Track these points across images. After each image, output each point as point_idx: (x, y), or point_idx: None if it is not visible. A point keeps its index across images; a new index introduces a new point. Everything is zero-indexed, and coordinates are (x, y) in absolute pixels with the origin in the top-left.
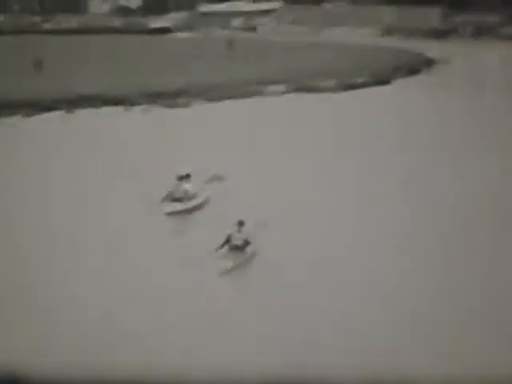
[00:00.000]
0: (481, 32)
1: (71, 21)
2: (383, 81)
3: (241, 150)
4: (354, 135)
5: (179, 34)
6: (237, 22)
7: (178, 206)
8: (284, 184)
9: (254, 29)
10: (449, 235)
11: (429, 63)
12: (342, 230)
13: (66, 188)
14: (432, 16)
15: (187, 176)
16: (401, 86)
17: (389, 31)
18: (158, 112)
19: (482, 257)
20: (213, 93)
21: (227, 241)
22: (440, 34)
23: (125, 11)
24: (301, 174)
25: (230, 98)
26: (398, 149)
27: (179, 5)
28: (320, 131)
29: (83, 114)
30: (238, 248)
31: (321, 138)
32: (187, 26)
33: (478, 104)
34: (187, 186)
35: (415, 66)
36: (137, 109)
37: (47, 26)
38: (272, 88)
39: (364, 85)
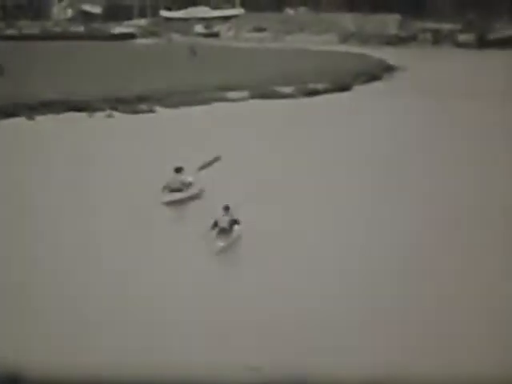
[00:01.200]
0: (439, 39)
1: (34, 27)
2: (344, 87)
3: (210, 155)
4: (313, 140)
5: (142, 40)
6: (199, 28)
7: (177, 196)
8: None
9: (216, 35)
10: (403, 244)
11: (389, 70)
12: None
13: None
14: (392, 23)
15: (181, 169)
16: (361, 93)
17: (349, 38)
18: (122, 118)
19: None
20: (175, 99)
21: (215, 225)
22: (399, 41)
23: (87, 17)
24: (264, 179)
25: (191, 104)
26: (356, 155)
27: (142, 11)
28: (278, 134)
29: (45, 120)
30: (225, 230)
31: (279, 141)
32: (150, 32)
33: (438, 109)
34: (183, 177)
35: (375, 73)
36: (100, 114)
37: (9, 31)
38: (234, 94)
39: (325, 91)
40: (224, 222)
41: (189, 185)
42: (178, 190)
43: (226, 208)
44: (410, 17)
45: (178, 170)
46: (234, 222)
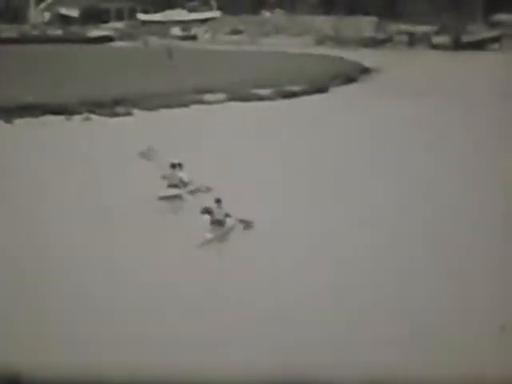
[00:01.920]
0: (415, 41)
1: (11, 30)
2: (320, 89)
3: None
4: (292, 140)
5: (119, 43)
6: (176, 30)
7: (173, 191)
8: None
9: (193, 38)
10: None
11: (365, 72)
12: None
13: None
14: (368, 25)
15: (179, 165)
16: (337, 94)
17: (326, 40)
18: (101, 121)
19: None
20: (152, 101)
21: (207, 211)
22: (376, 43)
23: (65, 20)
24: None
25: (169, 106)
26: (334, 154)
27: (119, 14)
28: (255, 134)
29: (23, 123)
30: (219, 222)
31: (257, 141)
32: (127, 35)
33: (413, 110)
34: (181, 174)
35: (352, 75)
36: (77, 118)
37: None
38: (211, 96)
39: (301, 93)
40: (219, 215)
41: (186, 184)
42: (175, 186)
43: (218, 201)
44: (386, 19)
45: (174, 165)
46: (227, 215)
